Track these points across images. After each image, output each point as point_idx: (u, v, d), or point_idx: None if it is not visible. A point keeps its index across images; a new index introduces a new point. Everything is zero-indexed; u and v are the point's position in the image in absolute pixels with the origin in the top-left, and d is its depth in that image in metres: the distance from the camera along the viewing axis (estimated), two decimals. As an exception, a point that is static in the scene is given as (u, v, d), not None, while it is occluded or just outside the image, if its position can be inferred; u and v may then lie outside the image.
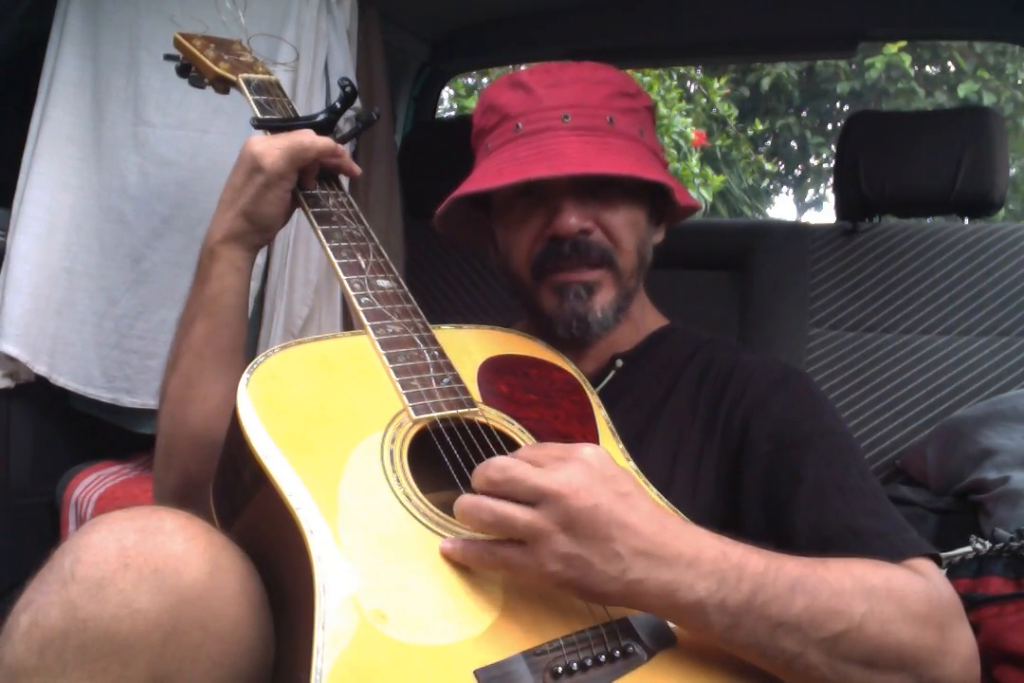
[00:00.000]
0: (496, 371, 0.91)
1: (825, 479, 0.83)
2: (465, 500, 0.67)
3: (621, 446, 0.88)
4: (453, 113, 6.03)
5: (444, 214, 0.99)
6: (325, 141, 0.95)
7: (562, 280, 0.94)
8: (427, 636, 0.63)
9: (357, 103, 1.28)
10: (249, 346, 1.03)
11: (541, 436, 0.83)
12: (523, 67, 2.52)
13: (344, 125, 1.28)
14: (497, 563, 0.66)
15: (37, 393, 1.49)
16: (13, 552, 1.44)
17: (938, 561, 0.78)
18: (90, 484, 1.51)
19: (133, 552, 0.62)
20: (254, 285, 1.04)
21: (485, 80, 5.58)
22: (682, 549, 0.65)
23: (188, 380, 0.95)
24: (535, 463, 0.67)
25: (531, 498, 0.64)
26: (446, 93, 5.28)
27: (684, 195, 0.98)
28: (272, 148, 0.92)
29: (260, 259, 1.37)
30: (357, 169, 1.02)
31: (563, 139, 0.92)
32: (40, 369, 1.44)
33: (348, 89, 1.04)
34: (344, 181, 1.05)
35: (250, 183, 0.93)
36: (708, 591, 0.64)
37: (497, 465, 0.66)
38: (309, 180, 0.97)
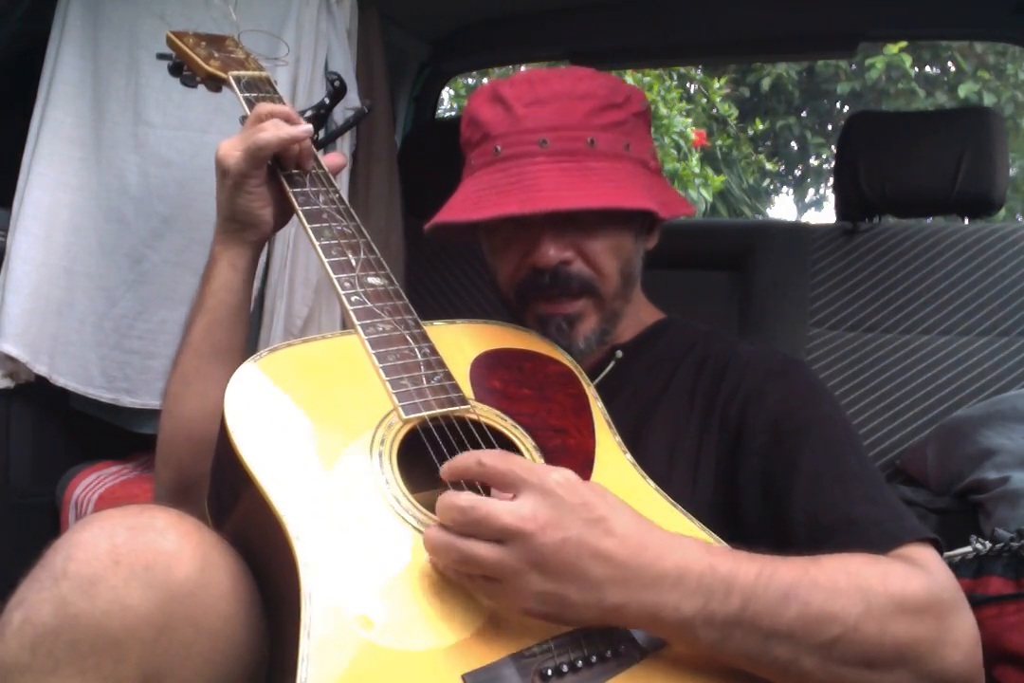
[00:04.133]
0: (489, 366, 0.90)
1: (821, 468, 0.82)
2: (432, 537, 0.65)
3: (618, 438, 0.87)
4: (453, 113, 6.03)
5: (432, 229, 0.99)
6: (279, 133, 0.92)
7: (544, 312, 0.94)
8: (414, 642, 0.62)
9: (357, 103, 1.27)
10: (250, 346, 1.03)
11: (535, 431, 0.83)
12: (523, 67, 2.52)
13: (340, 120, 1.27)
14: (477, 589, 0.65)
15: (37, 393, 1.48)
16: (13, 552, 1.44)
17: (938, 546, 0.77)
18: (90, 484, 1.51)
19: (124, 549, 0.62)
20: (254, 285, 1.04)
21: (485, 80, 5.57)
22: (666, 568, 0.63)
23: (185, 377, 0.96)
24: (499, 479, 0.65)
25: (497, 537, 0.62)
26: (446, 93, 5.27)
27: (672, 207, 0.96)
28: (233, 149, 0.94)
29: (260, 259, 1.37)
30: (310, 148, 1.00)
31: (540, 167, 0.91)
32: (40, 369, 1.43)
33: (337, 84, 1.04)
34: (344, 181, 1.05)
35: (222, 186, 0.96)
36: (695, 609, 0.63)
37: (460, 505, 0.63)
38: (288, 166, 0.97)
